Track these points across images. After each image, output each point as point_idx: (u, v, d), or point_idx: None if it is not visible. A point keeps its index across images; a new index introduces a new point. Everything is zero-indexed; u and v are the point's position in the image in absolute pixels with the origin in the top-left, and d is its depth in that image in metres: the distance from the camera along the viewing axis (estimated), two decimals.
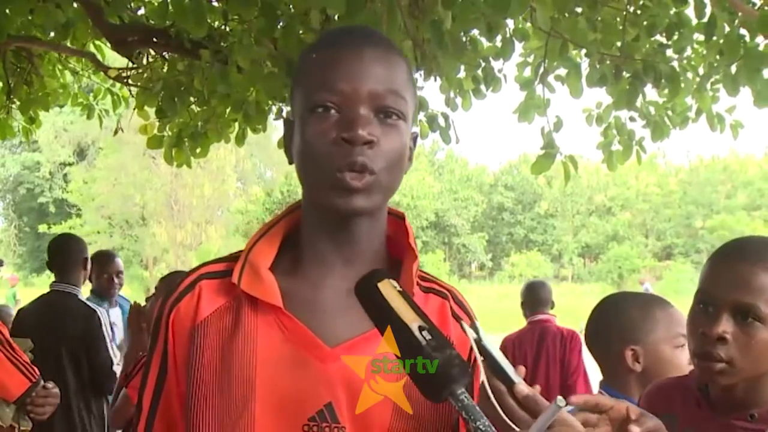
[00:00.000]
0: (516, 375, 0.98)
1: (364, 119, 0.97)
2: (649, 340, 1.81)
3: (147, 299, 3.55)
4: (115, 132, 5.16)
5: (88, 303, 3.59)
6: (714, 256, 1.43)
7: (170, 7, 3.24)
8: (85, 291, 4.25)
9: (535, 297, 4.30)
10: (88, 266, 3.70)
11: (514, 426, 0.96)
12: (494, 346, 0.99)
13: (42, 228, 31.60)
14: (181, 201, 30.35)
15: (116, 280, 4.21)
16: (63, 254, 3.64)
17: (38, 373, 2.79)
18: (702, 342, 1.37)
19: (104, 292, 4.18)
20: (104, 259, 4.26)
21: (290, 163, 1.06)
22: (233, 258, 1.08)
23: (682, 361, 1.80)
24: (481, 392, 0.97)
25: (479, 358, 0.96)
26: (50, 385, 2.82)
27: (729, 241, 1.47)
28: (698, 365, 1.40)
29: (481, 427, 0.84)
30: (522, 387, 0.96)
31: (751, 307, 1.32)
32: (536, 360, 4.10)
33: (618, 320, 1.86)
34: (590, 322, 1.96)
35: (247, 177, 34.89)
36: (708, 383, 1.44)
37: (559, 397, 0.87)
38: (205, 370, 1.01)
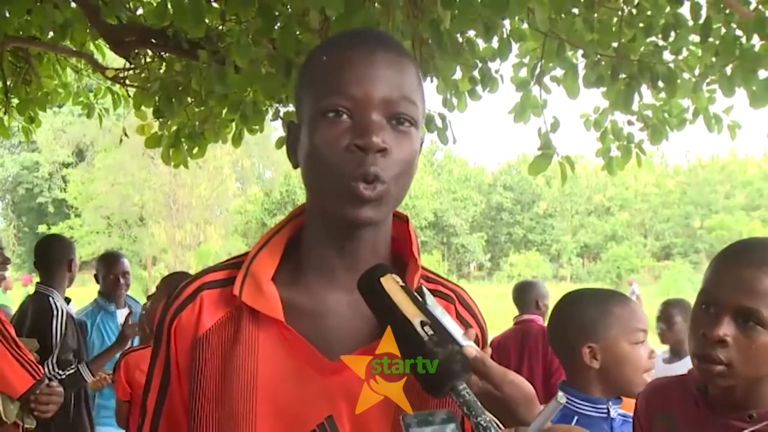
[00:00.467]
0: (464, 338, 0.98)
1: (378, 126, 0.95)
2: (607, 337, 1.80)
3: (148, 298, 3.55)
4: (121, 140, 5.18)
5: (54, 302, 3.50)
6: (719, 258, 1.42)
7: (169, 7, 3.24)
8: (92, 292, 4.25)
9: (520, 298, 4.33)
10: (74, 268, 3.64)
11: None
12: (441, 310, 0.99)
13: (41, 228, 31.58)
14: (179, 201, 30.35)
15: (122, 281, 4.16)
16: (46, 255, 3.60)
17: (42, 371, 2.82)
18: (702, 343, 1.37)
19: (110, 293, 4.14)
20: (110, 260, 4.23)
21: (295, 167, 1.04)
22: (235, 265, 1.06)
23: (641, 357, 1.80)
24: None
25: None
26: (54, 383, 2.84)
27: (734, 242, 1.46)
28: (697, 366, 1.40)
29: (482, 422, 0.84)
30: (470, 349, 0.97)
31: (754, 312, 1.32)
32: (519, 360, 4.10)
33: (576, 318, 1.86)
34: (550, 321, 1.96)
35: (246, 177, 34.89)
36: (707, 384, 1.44)
37: (560, 393, 0.87)
38: (207, 381, 1.01)
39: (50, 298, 3.50)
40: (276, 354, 0.99)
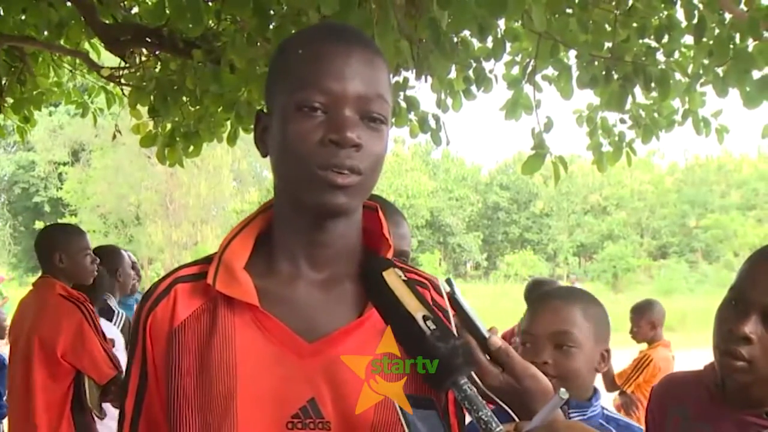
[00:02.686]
0: (488, 332, 1.00)
1: (352, 122, 0.96)
2: None
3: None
4: (114, 137, 5.18)
5: (110, 304, 3.68)
6: (754, 257, 1.44)
7: (166, 7, 3.23)
8: None
9: (528, 298, 4.33)
10: (121, 277, 3.82)
11: (478, 380, 0.97)
12: (467, 303, 1.00)
13: (38, 227, 31.52)
14: (176, 200, 30.26)
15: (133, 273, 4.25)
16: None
17: (120, 364, 3.04)
18: (727, 338, 1.39)
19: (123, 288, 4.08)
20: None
21: (263, 156, 1.05)
22: (207, 260, 1.07)
23: None
24: None
25: (451, 312, 0.97)
26: None
27: None
28: (719, 360, 1.42)
29: (483, 417, 0.85)
30: (495, 340, 0.98)
31: None
32: None
33: None
34: None
35: (243, 176, 34.79)
36: (725, 379, 1.46)
37: (562, 390, 0.88)
38: (185, 373, 1.01)
39: (104, 300, 3.64)
40: (253, 340, 1.00)
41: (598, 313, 1.68)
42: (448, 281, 1.01)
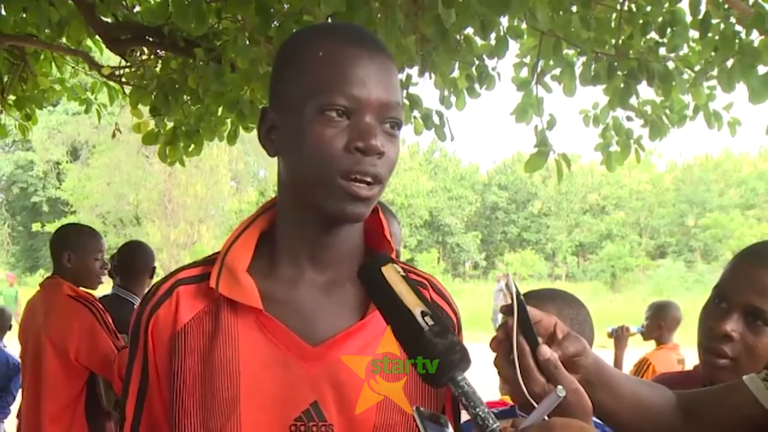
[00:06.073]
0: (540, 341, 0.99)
1: (376, 128, 0.96)
2: None
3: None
4: (113, 135, 5.17)
5: None
6: (738, 256, 1.45)
7: (170, 6, 3.23)
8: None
9: None
10: (154, 275, 3.69)
11: (524, 387, 0.97)
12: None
13: (35, 227, 31.50)
14: (174, 200, 30.27)
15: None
16: (130, 262, 3.64)
17: None
18: (709, 336, 1.40)
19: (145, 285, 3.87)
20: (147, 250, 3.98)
21: (271, 155, 1.04)
22: (209, 261, 1.07)
23: None
24: (504, 346, 0.99)
25: (514, 313, 0.97)
26: None
27: (757, 242, 1.49)
28: (703, 358, 1.43)
29: (480, 413, 0.85)
30: (545, 349, 0.97)
31: (762, 313, 1.35)
32: None
33: None
34: None
35: (241, 176, 34.79)
36: (711, 377, 1.46)
37: (560, 387, 0.88)
38: (188, 376, 1.00)
39: (134, 305, 3.54)
40: (257, 343, 1.00)
41: (575, 313, 1.65)
42: (509, 282, 1.00)
